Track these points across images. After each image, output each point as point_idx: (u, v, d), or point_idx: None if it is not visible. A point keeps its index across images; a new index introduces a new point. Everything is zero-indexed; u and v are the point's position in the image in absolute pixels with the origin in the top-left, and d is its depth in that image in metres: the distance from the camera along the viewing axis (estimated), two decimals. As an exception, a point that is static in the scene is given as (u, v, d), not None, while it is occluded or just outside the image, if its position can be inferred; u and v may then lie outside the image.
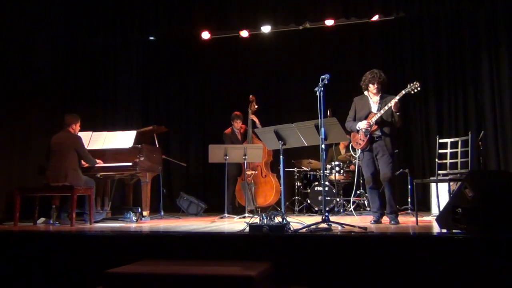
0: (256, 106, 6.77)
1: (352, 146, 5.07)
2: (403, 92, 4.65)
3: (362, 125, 4.78)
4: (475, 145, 5.54)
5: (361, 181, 6.71)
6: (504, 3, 6.37)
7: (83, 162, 5.48)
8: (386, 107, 4.66)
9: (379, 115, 4.70)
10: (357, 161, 6.48)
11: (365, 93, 4.92)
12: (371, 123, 4.73)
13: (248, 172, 6.53)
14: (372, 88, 4.81)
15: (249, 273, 2.84)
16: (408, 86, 4.67)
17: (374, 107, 4.82)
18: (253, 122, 6.76)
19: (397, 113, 4.66)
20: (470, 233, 3.30)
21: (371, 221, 4.76)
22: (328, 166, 6.66)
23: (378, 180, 4.81)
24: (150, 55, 8.38)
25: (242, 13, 6.45)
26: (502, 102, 6.54)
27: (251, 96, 6.81)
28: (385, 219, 4.84)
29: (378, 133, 4.75)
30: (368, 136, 4.75)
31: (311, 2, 6.25)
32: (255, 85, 7.72)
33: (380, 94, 4.82)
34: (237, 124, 6.96)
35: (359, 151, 4.92)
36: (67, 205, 5.28)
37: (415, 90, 4.65)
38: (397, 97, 4.61)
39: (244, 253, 3.45)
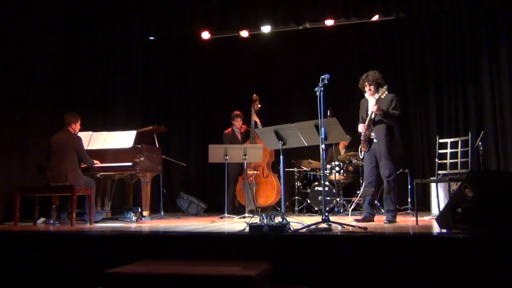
0: (259, 106, 6.76)
1: (360, 148, 5.14)
2: (376, 96, 4.75)
3: (359, 129, 4.90)
4: (475, 145, 5.54)
5: (361, 181, 6.72)
6: (504, 3, 6.38)
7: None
8: (369, 113, 4.77)
9: (368, 119, 4.78)
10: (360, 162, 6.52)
11: (365, 95, 4.98)
12: (365, 127, 4.82)
13: (250, 172, 6.53)
14: (367, 90, 4.89)
15: (249, 273, 2.84)
16: (380, 90, 4.74)
17: (371, 110, 4.85)
18: (255, 122, 6.74)
19: (382, 114, 4.70)
20: (470, 233, 3.30)
21: (357, 218, 4.87)
22: (328, 166, 6.66)
23: (374, 180, 4.89)
24: (150, 55, 8.38)
25: (242, 13, 6.45)
26: (502, 102, 6.54)
27: (254, 95, 6.79)
28: (378, 218, 4.90)
29: (373, 134, 4.82)
30: (365, 139, 4.84)
31: (311, 2, 6.25)
32: (255, 85, 7.71)
33: (382, 93, 4.80)
34: (237, 123, 6.95)
35: (363, 153, 5.00)
36: (67, 205, 5.27)
37: (383, 95, 4.71)
38: (373, 105, 4.72)
39: (244, 253, 3.45)
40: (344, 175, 6.71)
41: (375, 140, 4.81)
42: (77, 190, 5.02)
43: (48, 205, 5.45)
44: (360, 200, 6.57)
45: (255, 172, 6.67)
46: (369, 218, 4.86)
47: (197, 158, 8.18)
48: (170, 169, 7.84)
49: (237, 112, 6.96)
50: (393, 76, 7.56)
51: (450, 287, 3.10)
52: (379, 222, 4.85)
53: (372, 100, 4.87)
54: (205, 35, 7.36)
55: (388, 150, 4.72)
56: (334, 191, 6.53)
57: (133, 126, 6.54)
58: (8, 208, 5.54)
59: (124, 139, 5.89)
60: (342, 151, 7.16)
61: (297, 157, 7.03)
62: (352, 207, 6.34)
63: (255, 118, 6.73)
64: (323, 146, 4.13)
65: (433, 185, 5.68)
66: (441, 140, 5.66)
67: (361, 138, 4.91)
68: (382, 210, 6.33)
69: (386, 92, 4.70)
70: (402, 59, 7.53)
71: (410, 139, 7.35)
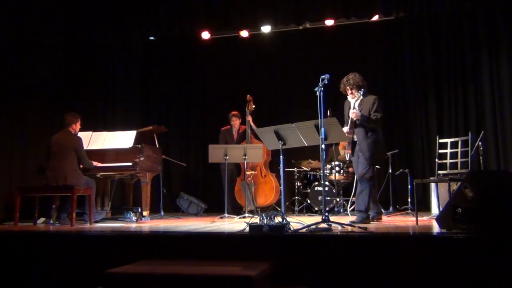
0: (253, 106, 6.76)
1: (346, 151, 5.12)
2: (355, 99, 4.79)
3: (344, 131, 4.86)
4: (475, 145, 5.54)
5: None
6: (504, 3, 6.37)
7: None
8: (349, 116, 4.77)
9: (349, 122, 4.75)
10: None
11: (348, 98, 4.96)
12: (348, 129, 4.79)
13: (248, 172, 6.52)
14: (349, 93, 4.87)
15: (249, 273, 2.84)
16: (356, 94, 4.79)
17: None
18: (249, 123, 6.73)
19: (361, 120, 4.69)
20: (470, 233, 3.30)
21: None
22: (328, 166, 6.66)
23: None
24: (150, 55, 8.38)
25: (242, 13, 6.45)
26: (502, 102, 6.54)
27: (248, 96, 6.79)
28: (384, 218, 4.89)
29: (355, 137, 4.81)
30: (349, 141, 4.85)
31: (311, 2, 6.25)
32: (255, 85, 7.70)
33: (358, 97, 4.80)
34: (234, 123, 6.96)
35: (348, 155, 5.01)
36: (67, 205, 5.27)
37: (359, 99, 4.77)
38: (351, 111, 4.74)
39: (244, 253, 3.45)
40: (344, 175, 6.71)
41: (358, 142, 4.80)
42: (77, 190, 5.02)
43: (48, 205, 5.45)
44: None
45: (253, 172, 6.66)
46: (376, 218, 4.86)
47: (197, 158, 8.18)
48: (170, 169, 7.84)
49: (233, 113, 6.96)
50: (393, 76, 7.58)
51: (450, 287, 3.10)
52: (380, 222, 4.85)
53: (355, 103, 4.85)
54: (205, 35, 7.36)
55: (369, 151, 4.67)
56: (334, 191, 6.53)
57: (133, 126, 6.54)
58: (8, 208, 5.54)
59: (124, 139, 5.89)
60: (342, 151, 7.14)
61: (297, 157, 7.03)
62: (352, 207, 6.34)
63: (249, 118, 6.73)
64: (323, 146, 4.13)
65: (433, 185, 5.69)
66: (441, 140, 5.66)
67: (347, 141, 4.96)
68: (383, 210, 6.35)
69: (362, 97, 4.72)
70: (402, 59, 7.53)
71: (410, 139, 7.36)
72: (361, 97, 4.71)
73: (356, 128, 4.77)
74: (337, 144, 7.16)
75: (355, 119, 4.71)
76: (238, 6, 6.43)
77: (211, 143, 6.21)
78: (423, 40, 7.34)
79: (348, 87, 4.83)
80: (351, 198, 6.26)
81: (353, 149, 4.86)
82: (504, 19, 6.56)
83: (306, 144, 4.43)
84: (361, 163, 4.72)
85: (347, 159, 5.10)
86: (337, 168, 6.62)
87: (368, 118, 4.68)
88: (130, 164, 5.59)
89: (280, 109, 7.76)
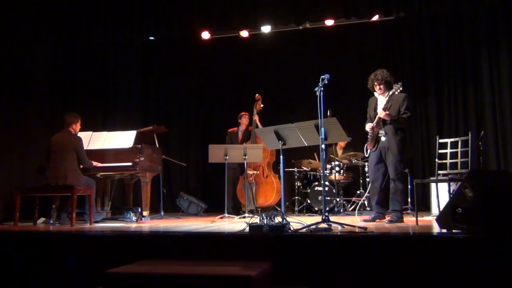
0: (262, 105, 6.76)
1: (366, 146, 5.06)
2: (390, 92, 4.73)
3: (367, 127, 4.87)
4: (475, 145, 5.53)
5: (361, 181, 6.73)
6: (504, 3, 6.37)
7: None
8: (378, 111, 4.74)
9: (377, 117, 4.74)
10: (364, 161, 6.52)
11: (375, 94, 4.96)
12: (374, 125, 4.78)
13: (250, 172, 6.52)
14: (377, 90, 4.87)
15: (249, 273, 2.84)
16: (394, 86, 4.72)
17: (380, 109, 4.82)
18: (256, 122, 6.74)
19: (390, 121, 4.68)
20: (470, 233, 3.30)
21: (366, 219, 4.85)
22: (328, 166, 6.66)
23: (380, 179, 4.86)
24: (150, 55, 8.38)
25: (242, 13, 6.45)
26: (502, 102, 6.54)
27: (257, 95, 6.78)
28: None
29: (382, 132, 4.77)
30: (373, 137, 4.81)
31: (311, 2, 6.25)
32: (255, 85, 7.70)
33: (387, 93, 4.79)
34: (242, 122, 6.97)
35: (369, 151, 4.95)
36: (67, 205, 5.27)
37: (398, 91, 4.71)
38: (381, 110, 4.71)
39: (244, 253, 3.45)
40: (344, 175, 6.71)
41: (383, 139, 4.76)
42: (77, 190, 5.02)
43: (48, 205, 5.45)
44: (360, 200, 6.57)
45: (255, 172, 6.67)
46: (378, 218, 4.85)
47: (197, 158, 8.18)
48: (170, 169, 7.84)
49: (243, 113, 7.01)
50: (393, 76, 7.56)
51: (450, 287, 3.10)
52: (381, 222, 4.85)
53: (381, 99, 4.85)
54: (205, 35, 7.36)
55: (398, 150, 4.67)
56: (334, 191, 6.53)
57: (133, 126, 6.55)
58: (8, 208, 5.55)
59: (124, 139, 5.89)
60: (340, 151, 7.17)
61: (297, 157, 7.03)
62: (352, 207, 6.35)
63: (256, 118, 6.73)
64: (323, 146, 4.13)
65: (433, 185, 5.69)
66: (441, 140, 5.65)
67: (369, 136, 4.88)
68: (368, 208, 6.36)
69: (401, 88, 4.68)
70: (402, 59, 7.53)
71: (410, 139, 7.34)
72: (401, 88, 4.67)
73: (385, 124, 4.74)
74: (335, 145, 7.17)
75: (385, 119, 4.69)
76: (238, 6, 6.44)
77: (211, 143, 6.21)
78: (423, 40, 7.34)
79: (376, 83, 4.84)
80: (361, 199, 6.29)
81: (376, 144, 4.80)
82: (504, 18, 6.55)
83: (306, 144, 4.44)
84: (392, 163, 4.68)
85: (366, 154, 5.06)
86: (337, 168, 6.63)
87: (398, 120, 4.67)
88: (130, 164, 5.59)
89: (280, 109, 7.75)
